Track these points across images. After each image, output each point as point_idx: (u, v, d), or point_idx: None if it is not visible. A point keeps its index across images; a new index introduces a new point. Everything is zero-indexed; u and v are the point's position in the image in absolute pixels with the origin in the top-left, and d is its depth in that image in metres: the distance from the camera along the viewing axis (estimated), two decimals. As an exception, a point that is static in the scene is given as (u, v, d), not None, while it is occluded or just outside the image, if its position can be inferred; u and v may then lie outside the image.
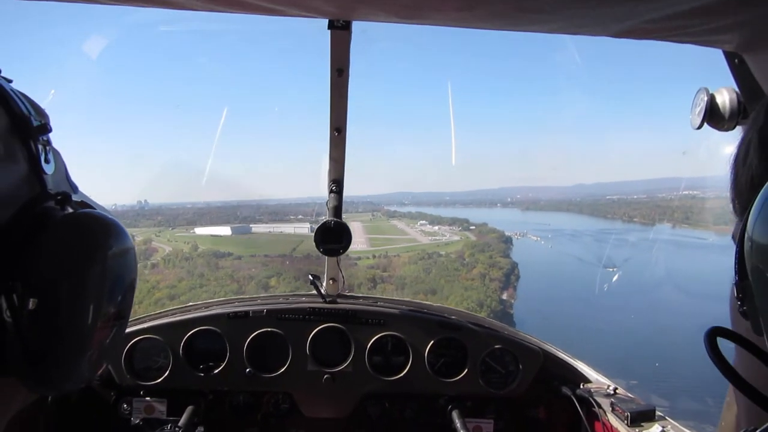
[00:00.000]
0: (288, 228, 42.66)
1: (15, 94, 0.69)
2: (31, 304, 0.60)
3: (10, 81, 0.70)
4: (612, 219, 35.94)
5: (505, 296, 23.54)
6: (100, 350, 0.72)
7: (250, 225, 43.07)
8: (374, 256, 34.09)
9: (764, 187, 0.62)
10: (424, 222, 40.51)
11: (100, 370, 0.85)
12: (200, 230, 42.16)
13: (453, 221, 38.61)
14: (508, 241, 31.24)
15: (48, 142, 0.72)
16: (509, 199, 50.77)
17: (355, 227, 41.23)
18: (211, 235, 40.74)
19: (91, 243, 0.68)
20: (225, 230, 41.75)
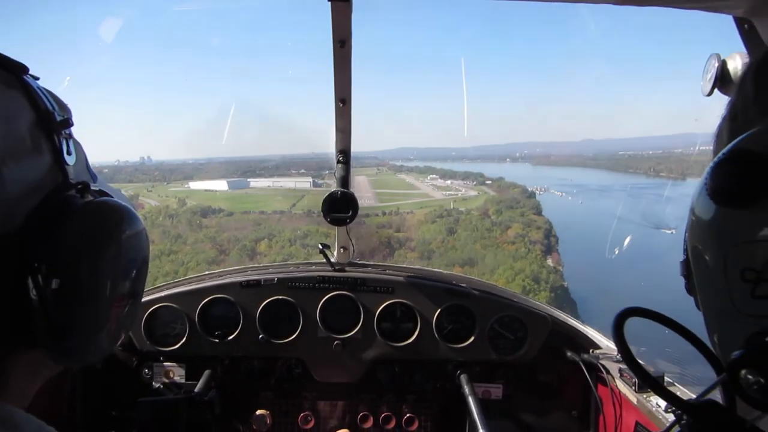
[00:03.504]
0: (289, 182, 40.49)
1: (41, 91, 0.74)
2: (54, 284, 0.67)
3: (37, 78, 0.75)
4: (635, 174, 34.42)
5: (550, 262, 21.23)
6: (117, 325, 0.78)
7: (249, 179, 40.82)
8: (384, 213, 31.83)
9: (711, 162, 0.62)
10: (434, 176, 38.47)
11: (119, 343, 0.88)
12: (195, 185, 39.82)
13: (466, 175, 36.61)
14: (532, 196, 29.47)
15: (70, 135, 0.77)
16: (518, 154, 49.13)
17: (360, 181, 38.93)
18: (205, 190, 38.51)
19: (107, 228, 0.75)
20: (221, 185, 39.50)
